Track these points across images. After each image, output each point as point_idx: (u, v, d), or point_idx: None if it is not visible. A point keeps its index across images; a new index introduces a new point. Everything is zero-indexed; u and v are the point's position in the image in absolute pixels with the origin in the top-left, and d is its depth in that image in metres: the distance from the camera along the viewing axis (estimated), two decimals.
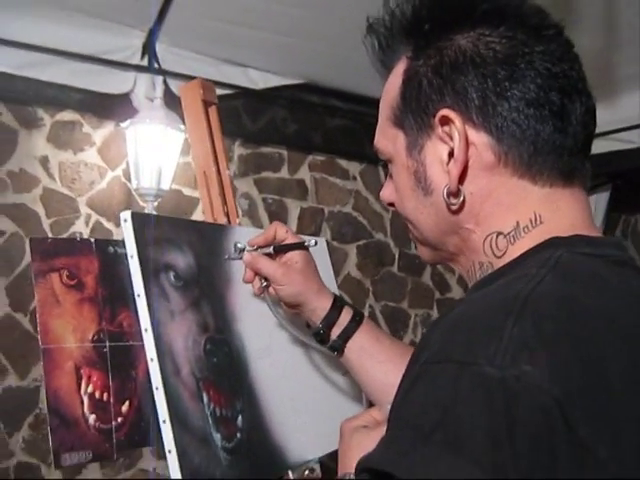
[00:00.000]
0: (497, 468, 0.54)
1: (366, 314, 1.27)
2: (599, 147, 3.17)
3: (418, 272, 3.74)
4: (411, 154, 0.83)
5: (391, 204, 0.93)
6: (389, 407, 0.84)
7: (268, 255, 1.23)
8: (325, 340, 1.21)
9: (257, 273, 1.24)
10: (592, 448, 0.56)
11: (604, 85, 2.99)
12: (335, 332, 1.21)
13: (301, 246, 1.25)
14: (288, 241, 1.26)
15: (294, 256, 1.24)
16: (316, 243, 1.27)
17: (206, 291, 1.22)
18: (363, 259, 3.57)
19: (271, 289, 1.23)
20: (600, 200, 3.73)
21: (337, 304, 1.22)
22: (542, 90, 0.76)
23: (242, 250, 1.24)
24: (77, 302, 1.07)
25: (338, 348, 1.21)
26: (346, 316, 1.22)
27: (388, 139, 0.87)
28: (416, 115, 0.81)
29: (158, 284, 1.11)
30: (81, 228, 2.88)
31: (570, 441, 0.56)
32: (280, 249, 1.24)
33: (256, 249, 1.24)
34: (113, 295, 1.12)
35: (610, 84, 3.02)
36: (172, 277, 1.14)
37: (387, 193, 0.93)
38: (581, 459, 0.56)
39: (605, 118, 3.09)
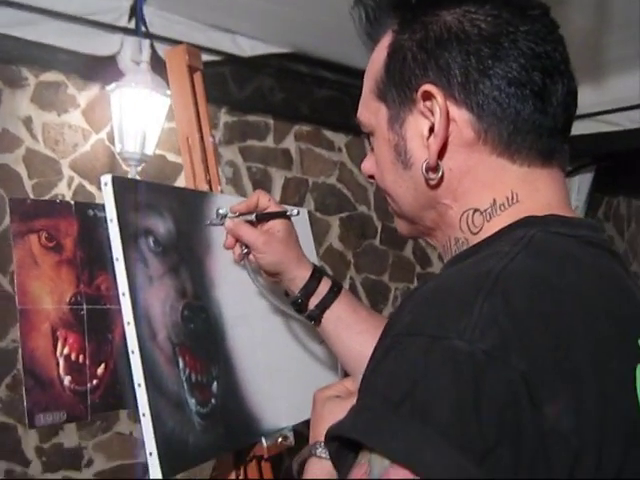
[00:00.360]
0: (463, 439, 0.56)
1: (347, 286, 1.29)
2: (586, 128, 3.19)
3: (400, 246, 3.76)
4: (392, 127, 0.83)
5: (372, 177, 0.93)
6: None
7: (250, 223, 1.23)
8: (303, 309, 1.22)
9: (238, 240, 1.24)
10: (555, 423, 0.58)
11: (593, 66, 3.00)
12: (313, 302, 1.22)
13: (283, 215, 1.26)
14: (270, 210, 1.26)
15: (276, 225, 1.25)
16: (298, 213, 1.28)
17: (185, 257, 1.22)
18: (345, 231, 3.58)
19: (251, 257, 1.24)
20: (584, 181, 3.75)
21: (316, 274, 1.23)
22: (524, 70, 0.76)
23: (224, 216, 1.25)
24: (55, 264, 1.07)
25: (315, 318, 1.22)
26: (325, 286, 1.23)
27: (371, 112, 0.87)
28: (399, 89, 0.81)
29: (137, 249, 1.11)
30: (63, 190, 2.87)
31: (534, 415, 0.57)
32: (262, 217, 1.24)
33: (238, 216, 1.24)
34: (92, 258, 1.12)
35: (599, 65, 3.02)
36: (151, 242, 1.14)
37: (368, 166, 0.93)
38: (544, 433, 0.57)
39: (593, 99, 3.10)
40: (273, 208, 1.26)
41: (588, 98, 3.04)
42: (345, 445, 0.65)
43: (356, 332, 1.21)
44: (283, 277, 1.23)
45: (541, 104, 0.77)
